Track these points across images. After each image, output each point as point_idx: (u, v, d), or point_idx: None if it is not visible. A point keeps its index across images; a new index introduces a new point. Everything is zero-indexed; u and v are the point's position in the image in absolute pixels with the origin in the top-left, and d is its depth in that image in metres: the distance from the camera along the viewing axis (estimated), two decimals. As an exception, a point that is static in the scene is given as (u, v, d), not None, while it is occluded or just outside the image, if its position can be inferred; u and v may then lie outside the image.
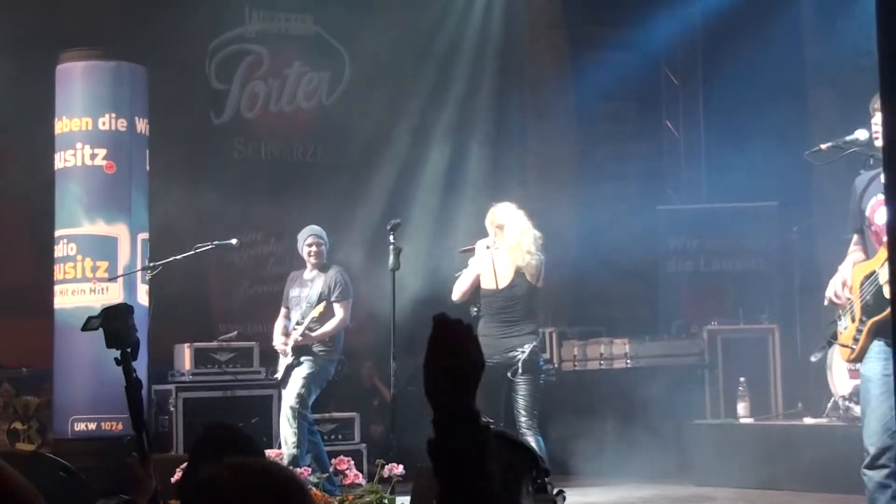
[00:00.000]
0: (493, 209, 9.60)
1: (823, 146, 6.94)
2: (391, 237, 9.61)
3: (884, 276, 6.13)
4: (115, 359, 4.47)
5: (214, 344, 11.72)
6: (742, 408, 11.74)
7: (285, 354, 10.37)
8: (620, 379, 12.83)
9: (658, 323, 13.86)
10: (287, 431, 9.98)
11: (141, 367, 10.41)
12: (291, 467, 8.86)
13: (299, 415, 9.97)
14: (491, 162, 14.53)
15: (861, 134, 6.66)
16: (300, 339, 10.23)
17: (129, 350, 4.64)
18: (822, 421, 10.93)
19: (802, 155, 7.17)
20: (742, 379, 11.84)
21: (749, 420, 11.70)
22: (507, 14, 15.03)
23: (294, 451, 9.82)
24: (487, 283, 9.38)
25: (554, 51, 15.07)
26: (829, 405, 10.80)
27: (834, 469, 9.85)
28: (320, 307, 10.17)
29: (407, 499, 7.91)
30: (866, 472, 6.34)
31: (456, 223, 14.38)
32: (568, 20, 15.07)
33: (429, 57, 15.17)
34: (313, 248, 10.49)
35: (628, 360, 12.95)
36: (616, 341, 13.13)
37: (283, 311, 10.66)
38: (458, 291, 9.49)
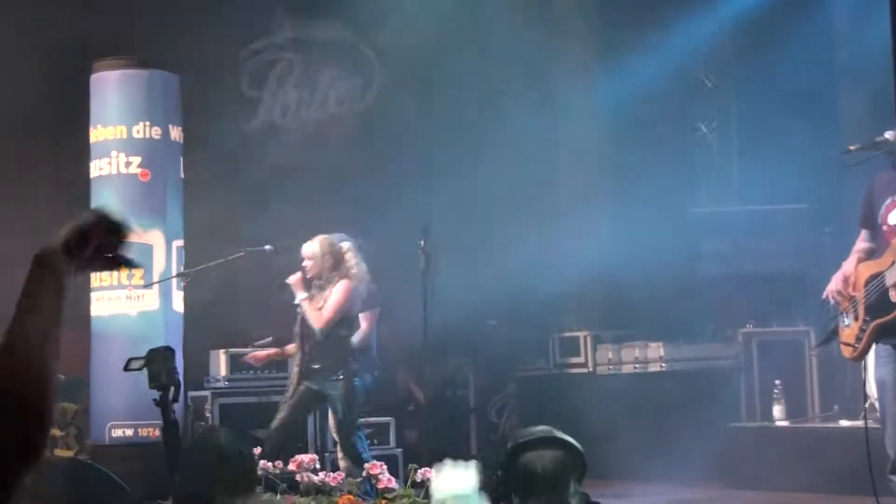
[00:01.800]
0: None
1: (853, 147, 6.94)
2: (422, 242, 9.63)
3: (891, 278, 6.13)
4: (154, 400, 4.51)
5: (249, 350, 11.76)
6: (778, 410, 11.71)
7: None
8: (655, 382, 12.82)
9: (692, 326, 13.82)
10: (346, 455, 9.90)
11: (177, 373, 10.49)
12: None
13: (353, 436, 9.90)
14: (522, 166, 14.53)
15: (891, 135, 6.66)
16: None
17: (168, 392, 4.68)
18: (859, 423, 10.87)
19: (834, 156, 7.18)
20: (777, 381, 11.80)
21: (785, 423, 11.67)
22: (537, 17, 15.02)
23: (343, 463, 9.76)
24: None
25: (585, 53, 15.06)
26: (866, 407, 10.76)
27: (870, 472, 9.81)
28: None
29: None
30: (892, 477, 6.34)
31: (487, 228, 14.41)
32: (599, 23, 15.06)
33: (459, 61, 15.18)
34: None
35: (663, 364, 12.94)
36: (650, 345, 13.12)
37: None
38: None
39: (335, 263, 9.91)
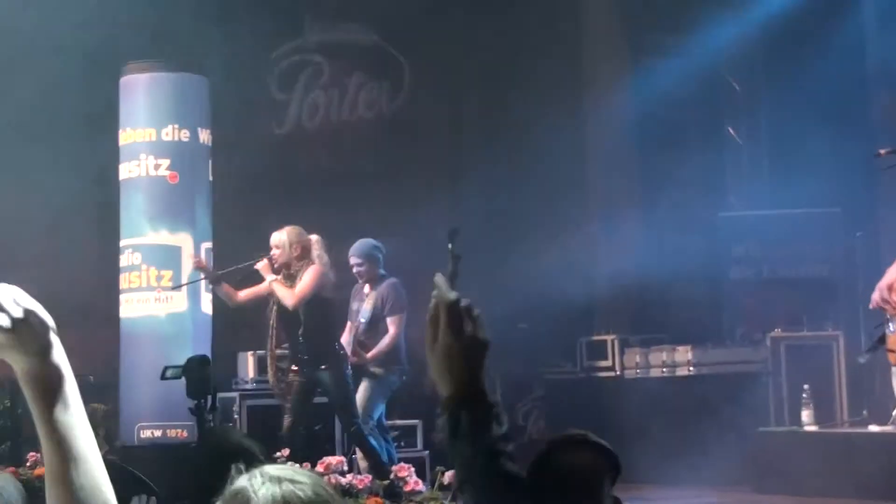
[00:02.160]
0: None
1: (883, 151, 6.92)
2: (450, 245, 9.61)
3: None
4: (190, 409, 4.50)
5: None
6: (806, 415, 11.65)
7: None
8: (683, 386, 12.79)
9: (721, 330, 13.79)
10: (353, 442, 10.05)
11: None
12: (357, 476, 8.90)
13: (365, 430, 9.99)
14: (551, 169, 14.51)
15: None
16: (355, 360, 10.25)
17: (205, 401, 4.68)
18: (888, 429, 10.83)
19: (865, 160, 7.16)
20: (806, 386, 11.75)
21: (813, 427, 11.61)
22: (566, 20, 15.01)
23: (363, 463, 9.87)
24: None
25: (614, 57, 15.04)
26: (895, 413, 10.71)
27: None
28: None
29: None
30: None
31: (516, 231, 14.40)
32: (629, 26, 15.03)
33: (487, 66, 15.18)
34: (354, 269, 10.55)
35: (691, 368, 12.91)
36: (679, 348, 13.09)
37: (348, 325, 10.69)
38: None
39: (303, 253, 10.04)
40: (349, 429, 9.99)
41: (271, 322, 10.21)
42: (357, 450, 10.08)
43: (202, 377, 4.63)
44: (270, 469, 2.31)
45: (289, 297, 9.91)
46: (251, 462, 2.75)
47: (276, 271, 10.03)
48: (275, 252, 10.09)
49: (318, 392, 10.16)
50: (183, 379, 4.95)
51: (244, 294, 10.36)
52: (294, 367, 10.14)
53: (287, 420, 10.01)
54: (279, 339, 10.25)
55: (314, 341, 9.99)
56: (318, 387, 10.08)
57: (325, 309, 10.14)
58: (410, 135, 15.09)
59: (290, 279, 10.02)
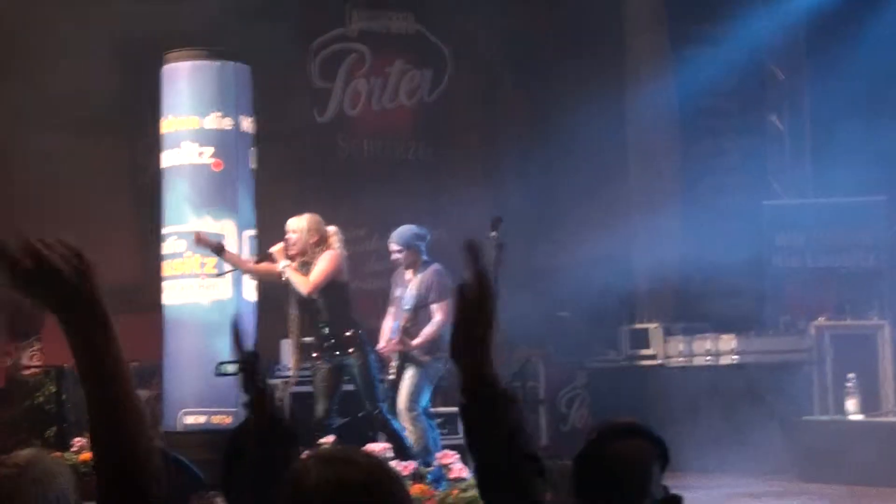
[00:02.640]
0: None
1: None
2: (493, 233, 9.58)
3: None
4: (244, 404, 4.46)
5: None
6: (851, 404, 11.60)
7: (389, 359, 10.42)
8: (726, 375, 12.74)
9: (764, 319, 13.73)
10: (408, 432, 10.05)
11: (248, 361, 10.54)
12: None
13: (410, 415, 10.01)
14: (593, 157, 14.48)
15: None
16: (400, 347, 10.24)
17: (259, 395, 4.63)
18: (934, 417, 10.79)
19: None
20: (851, 375, 11.70)
21: (858, 416, 11.56)
22: (608, 10, 14.97)
23: (415, 449, 9.87)
24: None
25: (656, 46, 14.99)
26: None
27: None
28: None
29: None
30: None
31: (560, 219, 14.37)
32: (670, 16, 14.98)
33: (529, 54, 15.16)
34: (393, 256, 10.51)
35: (734, 356, 12.87)
36: (722, 337, 13.05)
37: (389, 310, 10.68)
38: None
39: (319, 241, 10.03)
40: (373, 412, 9.98)
41: (291, 310, 10.20)
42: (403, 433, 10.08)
43: (257, 372, 4.60)
44: (325, 451, 2.30)
45: (303, 284, 9.90)
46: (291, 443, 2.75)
47: (290, 258, 10.01)
48: (291, 237, 10.06)
49: (346, 379, 10.16)
50: (230, 371, 4.95)
51: (258, 266, 10.36)
52: (316, 354, 10.15)
53: (320, 408, 10.02)
54: (302, 327, 10.22)
55: (337, 327, 9.99)
56: (343, 372, 10.08)
57: (344, 294, 10.16)
58: (451, 123, 15.08)
59: (305, 266, 9.98)
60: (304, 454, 2.31)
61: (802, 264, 13.86)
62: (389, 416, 9.99)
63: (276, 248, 10.02)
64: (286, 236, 10.07)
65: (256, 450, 2.95)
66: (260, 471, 2.92)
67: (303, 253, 10.02)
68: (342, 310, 10.06)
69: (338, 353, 10.03)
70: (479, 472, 2.38)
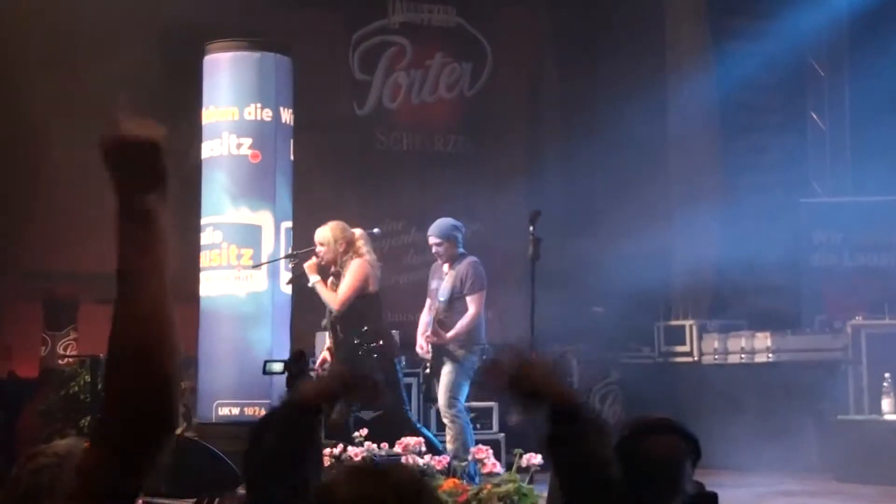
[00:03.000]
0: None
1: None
2: (531, 227, 9.58)
3: None
4: (285, 399, 4.48)
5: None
6: (887, 404, 11.56)
7: (424, 351, 10.44)
8: (761, 373, 12.71)
9: (800, 317, 13.68)
10: (446, 430, 10.12)
11: (283, 353, 10.58)
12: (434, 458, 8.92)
13: (450, 412, 10.05)
14: (633, 152, 14.46)
15: None
16: (434, 339, 10.27)
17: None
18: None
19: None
20: (887, 375, 11.65)
21: (894, 416, 11.52)
22: (649, 4, 14.94)
23: (450, 445, 9.91)
24: None
25: (697, 41, 14.94)
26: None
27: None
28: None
29: (545, 488, 7.91)
30: None
31: (596, 214, 14.36)
32: (711, 10, 14.93)
33: (569, 48, 15.14)
34: (433, 249, 10.52)
35: (770, 354, 12.83)
36: (758, 335, 13.01)
37: (427, 302, 10.70)
38: None
39: (347, 248, 10.10)
40: (445, 411, 10.07)
41: (324, 321, 10.28)
42: (447, 433, 10.12)
43: (302, 371, 4.66)
44: (355, 465, 2.32)
45: (332, 301, 10.03)
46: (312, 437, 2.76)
47: (321, 270, 10.08)
48: (320, 249, 10.15)
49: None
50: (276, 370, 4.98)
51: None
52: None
53: (339, 408, 10.02)
54: (336, 337, 10.27)
55: (366, 338, 10.05)
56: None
57: (373, 305, 10.22)
58: (491, 117, 15.09)
59: (339, 277, 10.13)
60: (334, 466, 2.33)
61: (840, 263, 13.81)
62: (455, 414, 10.05)
63: (308, 265, 10.09)
64: (316, 250, 10.15)
65: (276, 441, 2.96)
66: (277, 461, 2.94)
67: (334, 263, 10.11)
68: (369, 321, 10.09)
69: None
70: (568, 498, 2.38)
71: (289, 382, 4.57)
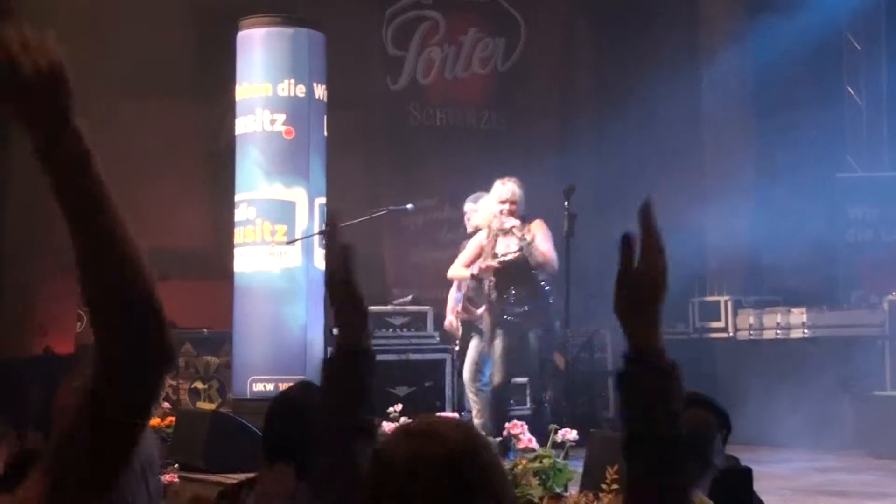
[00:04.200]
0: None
1: None
2: (566, 203, 9.54)
3: None
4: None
5: (389, 308, 11.81)
6: (923, 380, 11.51)
7: (453, 328, 10.43)
8: (797, 348, 12.65)
9: (836, 292, 13.61)
10: (472, 403, 10.12)
11: (318, 329, 10.60)
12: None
13: (475, 385, 10.05)
14: (667, 127, 14.41)
15: None
16: (465, 315, 10.24)
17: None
18: None
19: None
20: (923, 350, 11.59)
21: (930, 392, 11.47)
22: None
23: (477, 420, 9.92)
24: None
25: (731, 15, 14.86)
26: None
27: None
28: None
29: (580, 464, 7.89)
30: None
31: (629, 189, 14.29)
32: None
33: (603, 23, 15.08)
34: (466, 217, 10.47)
35: (805, 330, 12.75)
36: (793, 310, 12.94)
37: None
38: None
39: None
40: (470, 385, 10.08)
41: (488, 282, 10.07)
42: (474, 408, 10.13)
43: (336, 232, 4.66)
44: (410, 425, 2.30)
45: (551, 261, 9.76)
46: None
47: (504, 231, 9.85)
48: (510, 207, 9.85)
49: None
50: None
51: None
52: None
53: (500, 376, 9.92)
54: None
55: (531, 301, 9.88)
56: (523, 343, 10.00)
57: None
58: (524, 92, 15.04)
59: (520, 230, 9.85)
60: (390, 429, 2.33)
61: (876, 238, 13.73)
62: (478, 389, 10.07)
63: (511, 223, 9.82)
64: (506, 207, 9.86)
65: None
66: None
67: (518, 217, 9.92)
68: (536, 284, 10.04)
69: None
70: (629, 447, 2.29)
71: (326, 241, 4.54)
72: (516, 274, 9.81)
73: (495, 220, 9.82)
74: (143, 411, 2.04)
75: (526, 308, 9.82)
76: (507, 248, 9.84)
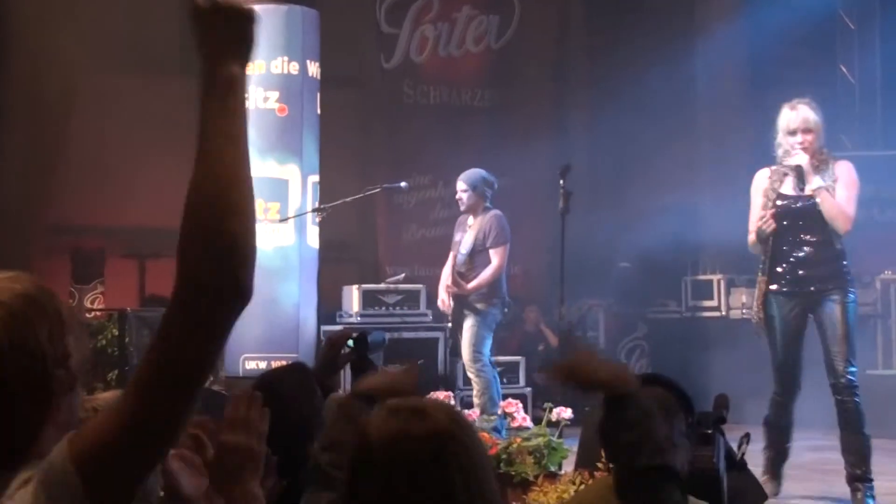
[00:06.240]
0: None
1: None
2: (561, 181, 9.53)
3: None
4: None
5: (382, 286, 11.80)
6: (917, 359, 11.52)
7: (445, 306, 10.43)
8: (790, 327, 12.64)
9: (829, 272, 13.59)
10: (473, 384, 10.14)
11: (310, 307, 10.59)
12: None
13: (475, 366, 10.04)
14: (662, 107, 14.38)
15: None
16: (455, 290, 10.24)
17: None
18: None
19: None
20: (917, 329, 11.60)
21: (923, 371, 11.48)
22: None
23: (477, 400, 9.93)
24: None
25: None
26: None
27: None
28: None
29: (574, 443, 7.89)
30: None
31: (623, 168, 14.30)
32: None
33: (597, 1, 15.05)
34: (457, 195, 10.43)
35: (797, 309, 12.75)
36: (786, 289, 12.93)
37: (451, 255, 10.66)
38: None
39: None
40: (470, 365, 10.13)
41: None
42: (474, 387, 10.14)
43: (380, 342, 4.64)
44: (395, 402, 2.31)
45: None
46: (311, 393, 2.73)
47: None
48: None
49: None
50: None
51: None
52: None
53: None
54: None
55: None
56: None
57: None
58: (518, 70, 15.01)
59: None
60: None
61: (869, 217, 13.71)
62: (479, 368, 10.09)
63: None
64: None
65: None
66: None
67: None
68: None
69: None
70: (617, 477, 2.40)
71: (355, 366, 4.51)
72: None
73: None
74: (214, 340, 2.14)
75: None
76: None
